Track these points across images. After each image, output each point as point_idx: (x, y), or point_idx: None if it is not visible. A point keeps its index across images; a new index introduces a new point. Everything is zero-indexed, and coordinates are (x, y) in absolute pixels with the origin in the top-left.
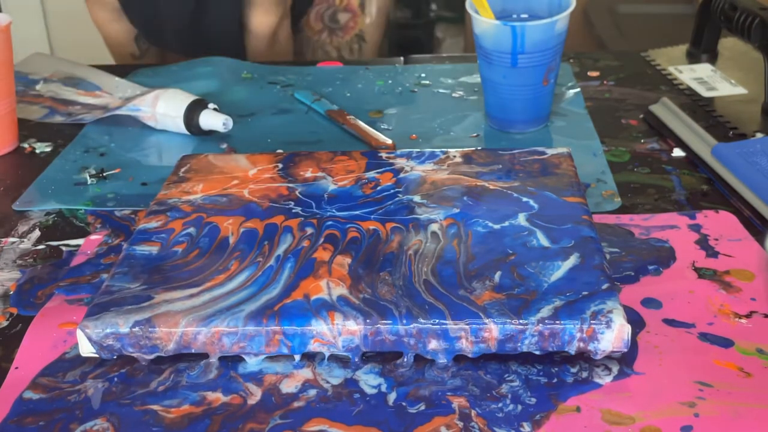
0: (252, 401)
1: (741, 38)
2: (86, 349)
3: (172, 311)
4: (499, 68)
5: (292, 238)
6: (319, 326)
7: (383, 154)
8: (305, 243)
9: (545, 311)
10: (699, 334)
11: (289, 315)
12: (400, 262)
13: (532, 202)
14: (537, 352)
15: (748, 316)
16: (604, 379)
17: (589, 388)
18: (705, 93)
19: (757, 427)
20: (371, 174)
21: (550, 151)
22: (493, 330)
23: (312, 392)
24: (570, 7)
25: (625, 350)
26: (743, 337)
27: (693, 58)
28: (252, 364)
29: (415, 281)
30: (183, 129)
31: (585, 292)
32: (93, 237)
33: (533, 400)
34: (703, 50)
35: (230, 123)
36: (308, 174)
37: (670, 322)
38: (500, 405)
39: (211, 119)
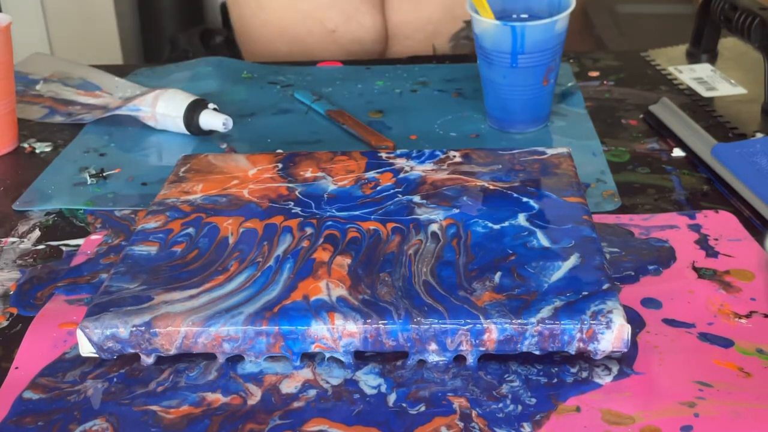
0: (252, 401)
1: (741, 38)
2: (86, 349)
3: (172, 314)
4: (499, 68)
5: (292, 238)
6: (318, 328)
7: (383, 154)
8: (305, 243)
9: (545, 312)
10: (699, 334)
11: (289, 317)
12: (400, 263)
13: (532, 203)
14: (537, 353)
15: (748, 316)
16: (604, 379)
17: (589, 388)
18: (705, 93)
19: (757, 427)
20: (371, 174)
21: (550, 151)
22: (493, 331)
23: (312, 392)
24: (570, 7)
25: (625, 350)
26: (743, 337)
27: (693, 58)
28: (252, 364)
29: (415, 282)
30: (183, 129)
31: (585, 293)
32: (93, 237)
33: (533, 400)
34: (703, 50)
35: (230, 123)
36: (308, 174)
37: (670, 322)
38: (500, 405)
39: (211, 119)
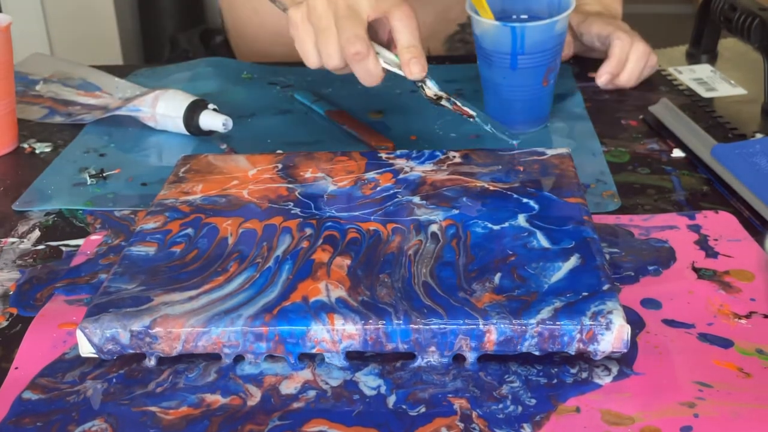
0: (251, 402)
1: (741, 39)
2: (86, 350)
3: (172, 317)
4: (499, 69)
5: (291, 238)
6: (318, 329)
7: (383, 155)
8: (304, 244)
9: (545, 312)
10: (698, 334)
11: (288, 319)
12: (400, 264)
13: (532, 203)
14: (537, 353)
15: (747, 316)
16: (604, 380)
17: (588, 388)
18: (705, 93)
19: (757, 428)
20: (371, 174)
21: (549, 152)
22: (493, 333)
23: (311, 393)
24: (570, 7)
25: (625, 351)
26: (743, 338)
27: (693, 58)
28: (252, 366)
29: (415, 283)
30: (183, 129)
31: (585, 293)
32: (93, 237)
33: (533, 401)
34: (702, 51)
35: (230, 123)
36: (308, 174)
37: (670, 323)
38: (501, 406)
39: (211, 120)
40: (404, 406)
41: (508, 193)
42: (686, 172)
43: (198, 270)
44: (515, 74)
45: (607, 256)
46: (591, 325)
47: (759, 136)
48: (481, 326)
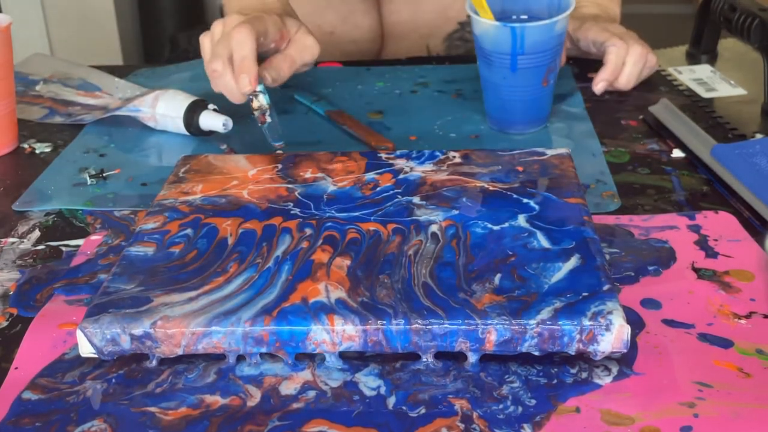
0: (251, 403)
1: (741, 39)
2: (86, 350)
3: (172, 319)
4: (499, 69)
5: (291, 239)
6: (317, 330)
7: (383, 155)
8: (304, 244)
9: (545, 313)
10: (698, 334)
11: (288, 320)
12: (400, 264)
13: (532, 203)
14: (537, 353)
15: (747, 316)
16: (604, 380)
17: (588, 388)
18: (704, 94)
19: (757, 428)
20: (371, 175)
21: (549, 152)
22: (492, 333)
23: (311, 394)
24: (570, 7)
25: (625, 351)
26: (743, 338)
27: (693, 58)
28: (251, 367)
29: (414, 284)
30: (183, 129)
31: (585, 293)
32: (93, 237)
33: (533, 401)
34: (702, 51)
35: (230, 124)
36: (308, 175)
37: (670, 323)
38: (501, 406)
39: (211, 120)
40: (404, 407)
41: (508, 193)
42: (686, 173)
43: (197, 270)
44: (515, 74)
45: (607, 257)
46: (591, 325)
47: (759, 136)
48: (480, 327)
